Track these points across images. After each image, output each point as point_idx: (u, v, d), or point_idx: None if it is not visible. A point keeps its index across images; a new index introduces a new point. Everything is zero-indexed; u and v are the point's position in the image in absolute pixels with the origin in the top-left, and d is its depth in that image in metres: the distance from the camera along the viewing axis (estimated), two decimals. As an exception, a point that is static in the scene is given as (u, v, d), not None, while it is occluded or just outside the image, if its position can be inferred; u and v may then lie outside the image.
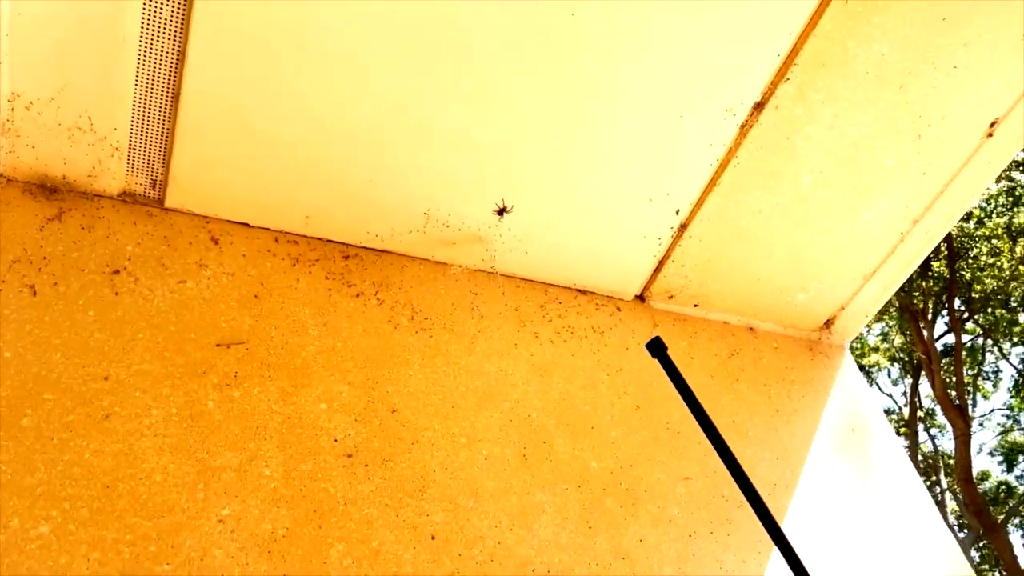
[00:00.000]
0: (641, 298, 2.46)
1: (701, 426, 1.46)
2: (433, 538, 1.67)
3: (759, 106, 2.04)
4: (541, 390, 2.07)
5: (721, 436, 1.41)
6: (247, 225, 2.03)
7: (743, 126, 2.07)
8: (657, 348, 1.63)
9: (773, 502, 2.13)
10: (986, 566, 17.46)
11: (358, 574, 1.54)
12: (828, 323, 2.66)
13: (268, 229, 2.05)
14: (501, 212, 2.11)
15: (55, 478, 1.44)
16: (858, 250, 2.44)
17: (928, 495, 2.42)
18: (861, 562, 2.14)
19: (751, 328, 2.59)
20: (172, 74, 1.79)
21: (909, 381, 18.03)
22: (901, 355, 17.97)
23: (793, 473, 2.23)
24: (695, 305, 2.50)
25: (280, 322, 1.89)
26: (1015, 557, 13.63)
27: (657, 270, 2.37)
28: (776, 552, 2.00)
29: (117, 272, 1.81)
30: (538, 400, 2.04)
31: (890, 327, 17.61)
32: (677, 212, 2.23)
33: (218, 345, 1.78)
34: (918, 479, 2.45)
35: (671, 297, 2.46)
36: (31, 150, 1.82)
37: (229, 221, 2.02)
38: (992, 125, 2.17)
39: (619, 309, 2.40)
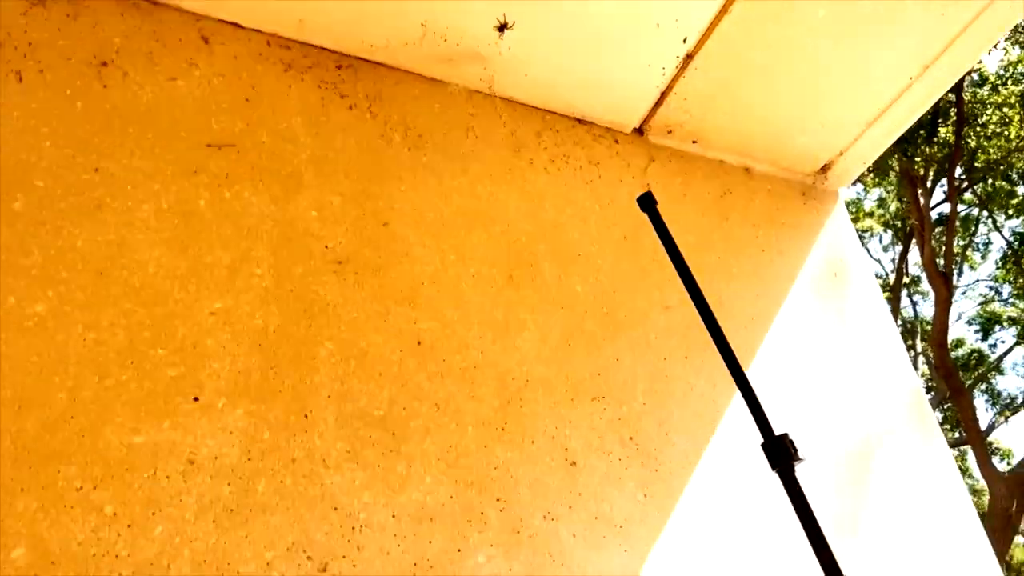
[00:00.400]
0: (640, 131, 2.43)
1: (682, 279, 1.48)
2: (419, 343, 1.73)
3: (781, -73, 1.93)
4: (532, 216, 2.08)
5: (702, 294, 1.45)
6: (238, 26, 1.96)
7: (761, -51, 1.96)
8: (647, 203, 1.65)
9: (749, 334, 2.20)
10: (948, 426, 18.38)
11: (345, 371, 1.61)
12: (825, 168, 2.64)
13: (260, 31, 1.98)
14: (502, 28, 2.03)
15: (49, 262, 1.47)
16: (865, 93, 2.39)
17: (900, 339, 2.50)
18: (827, 394, 2.24)
19: (747, 169, 2.58)
20: None
21: (900, 249, 18.21)
22: (895, 222, 18.04)
23: (771, 309, 2.29)
24: (693, 142, 2.47)
25: (272, 128, 1.86)
26: (975, 419, 14.30)
27: (659, 102, 2.33)
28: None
29: (105, 64, 1.76)
30: (528, 225, 2.06)
31: (888, 193, 17.56)
32: (684, 40, 2.15)
33: (209, 145, 1.77)
34: (892, 324, 2.53)
35: (670, 132, 2.42)
36: (9, -73, 1.72)
37: (220, 20, 1.94)
38: (1021, -34, 2.07)
39: (617, 142, 2.37)
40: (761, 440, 1.24)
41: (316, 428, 1.51)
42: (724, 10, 2.09)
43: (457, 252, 1.92)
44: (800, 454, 1.21)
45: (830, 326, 2.40)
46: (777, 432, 1.24)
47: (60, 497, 1.25)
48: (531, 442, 1.70)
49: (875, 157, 2.58)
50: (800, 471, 2.00)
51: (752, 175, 2.57)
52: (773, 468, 1.22)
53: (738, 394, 1.98)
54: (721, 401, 2.01)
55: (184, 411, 1.42)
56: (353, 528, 1.42)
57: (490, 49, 2.08)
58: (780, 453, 1.22)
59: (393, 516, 1.47)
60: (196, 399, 1.44)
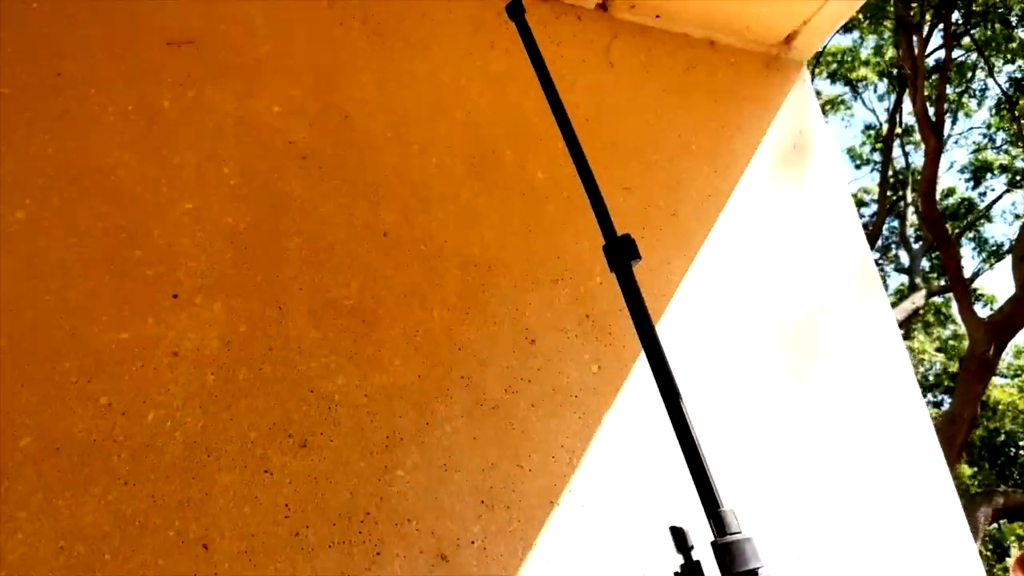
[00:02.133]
0: (603, 7, 2.42)
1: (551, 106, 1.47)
2: (385, 235, 1.83)
3: None
4: (493, 101, 2.12)
5: (571, 126, 1.43)
6: (189, -88, 1.92)
7: None
8: (515, 10, 1.61)
9: (704, 210, 2.30)
10: (934, 274, 18.78)
11: (316, 263, 1.72)
12: (789, 39, 2.65)
13: (210, -83, 1.94)
14: (457, -93, 1.99)
15: (23, 170, 1.53)
16: (829, -39, 2.36)
17: (856, 216, 2.60)
18: (779, 264, 2.36)
19: (711, 42, 2.58)
20: None
21: (895, 97, 17.91)
22: (892, 70, 17.64)
23: (728, 185, 2.37)
24: (656, 16, 2.46)
25: (229, 23, 1.87)
26: (960, 268, 14.58)
27: (621, -23, 2.31)
28: (701, 254, 2.22)
29: (55, -37, 1.75)
30: (489, 111, 2.10)
31: (884, 40, 17.08)
32: (644, -87, 2.12)
33: (169, 44, 1.79)
34: (847, 194, 2.62)
35: (633, 7, 2.42)
36: None
37: (168, -94, 1.91)
38: None
39: (579, 19, 2.37)
40: (603, 243, 1.25)
41: (290, 318, 1.63)
42: None
43: (420, 142, 1.98)
44: (639, 254, 1.20)
45: (786, 199, 2.48)
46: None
47: (59, 390, 1.39)
48: (493, 323, 1.84)
49: (839, 26, 2.58)
50: (752, 337, 2.16)
51: (716, 48, 2.58)
52: (611, 268, 1.22)
53: (691, 269, 2.11)
54: (674, 278, 2.13)
55: (165, 307, 1.53)
56: (329, 408, 1.58)
57: (446, -71, 2.05)
58: (620, 254, 1.21)
59: (366, 396, 1.62)
60: (175, 296, 1.55)
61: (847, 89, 19.10)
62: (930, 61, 15.25)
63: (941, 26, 13.94)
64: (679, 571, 0.96)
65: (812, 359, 2.29)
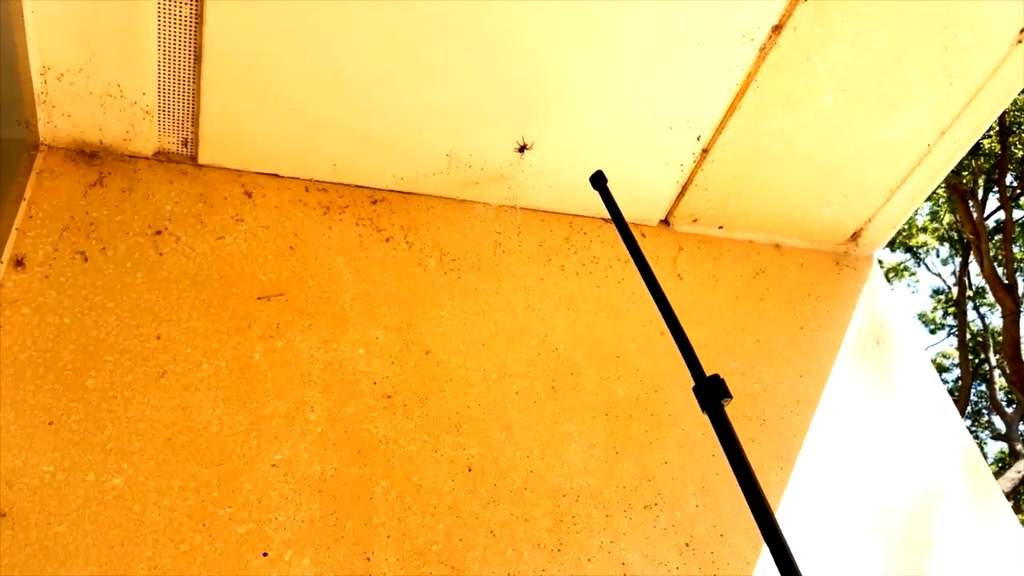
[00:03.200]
0: (666, 222, 2.49)
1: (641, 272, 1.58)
2: (470, 470, 1.80)
3: (777, 28, 2.01)
4: (568, 322, 2.15)
5: (671, 308, 1.51)
6: (277, 176, 2.10)
7: (762, 49, 2.04)
8: (599, 181, 1.81)
9: (795, 418, 2.22)
10: (1032, 441, 17.59)
11: (402, 507, 1.69)
12: (855, 236, 2.67)
13: (298, 179, 2.12)
14: (522, 149, 2.14)
15: (122, 434, 1.59)
16: (884, 163, 2.42)
17: (951, 403, 2.48)
18: (881, 473, 2.23)
19: (777, 245, 2.61)
20: (192, 36, 1.83)
21: (959, 260, 17.72)
22: (951, 234, 17.60)
23: (816, 388, 2.30)
24: (720, 227, 2.52)
25: (316, 271, 1.98)
26: (1061, 430, 13.67)
27: (681, 195, 2.40)
28: (798, 467, 2.11)
29: (159, 233, 1.90)
30: (565, 333, 2.13)
31: (939, 207, 17.19)
32: (698, 138, 2.23)
33: (259, 298, 1.89)
34: (939, 383, 2.51)
35: (695, 220, 2.49)
36: (67, 119, 1.89)
37: (260, 173, 2.09)
38: (1022, 31, 2.10)
39: (644, 235, 2.44)
40: (693, 384, 1.30)
41: (378, 570, 1.58)
42: (733, 107, 2.16)
43: (499, 370, 2.00)
44: (729, 393, 1.25)
45: (876, 395, 2.39)
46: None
47: (148, 668, 1.34)
48: (588, 560, 1.74)
49: (905, 219, 2.60)
50: (862, 541, 2.00)
51: (782, 251, 2.61)
52: (703, 409, 1.26)
53: (790, 481, 2.00)
54: (773, 493, 2.02)
55: (254, 567, 1.50)
56: (422, 670, 1.48)
57: (512, 168, 2.19)
58: (710, 394, 1.25)
59: (459, 653, 1.52)
60: (265, 554, 1.53)
61: (908, 256, 19.03)
62: (989, 223, 15.22)
63: (995, 189, 14.03)
64: None
65: (927, 553, 2.10)
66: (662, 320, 2.25)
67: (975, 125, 2.32)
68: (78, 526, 1.45)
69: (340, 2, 1.78)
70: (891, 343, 2.55)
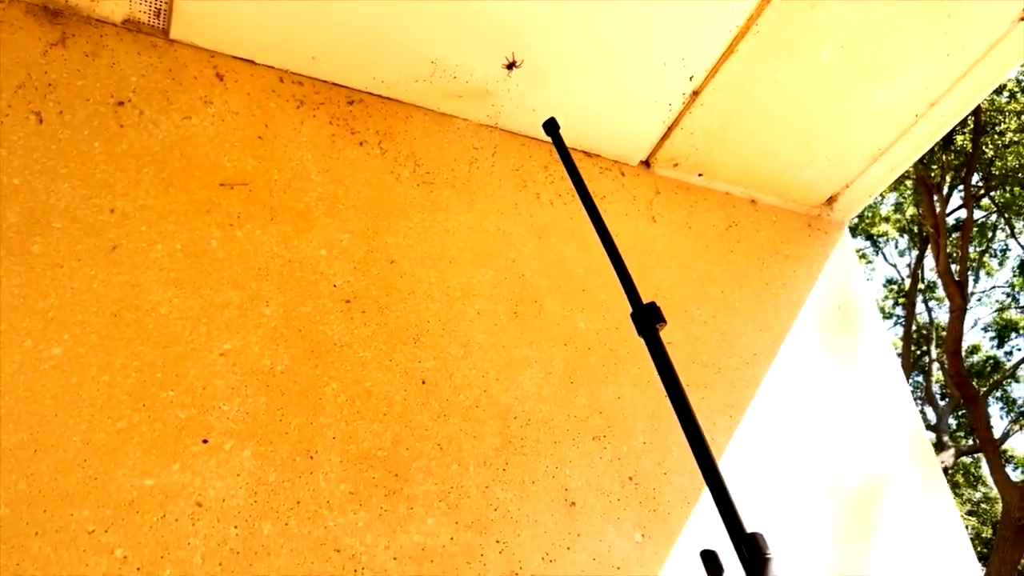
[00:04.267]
0: (646, 164, 2.45)
1: (593, 223, 1.62)
2: (423, 382, 1.77)
3: (787, -28, 1.95)
4: (537, 250, 2.11)
5: (614, 244, 1.57)
6: (252, 62, 2.00)
7: (767, -8, 1.98)
8: (551, 127, 1.81)
9: (751, 370, 2.23)
10: (962, 433, 18.28)
11: (351, 410, 1.65)
12: (830, 200, 2.66)
13: (273, 68, 2.02)
14: (511, 66, 2.07)
15: (65, 304, 1.51)
16: (870, 129, 2.40)
17: (903, 379, 2.52)
18: (828, 433, 2.26)
19: (753, 200, 2.60)
20: None
21: (915, 253, 18.09)
22: (912, 227, 17.92)
23: (774, 344, 2.31)
24: (699, 175, 2.49)
25: (283, 165, 1.90)
26: (989, 426, 14.20)
27: (665, 136, 2.35)
28: (747, 417, 2.13)
29: (122, 104, 1.80)
30: (533, 260, 2.09)
31: (904, 198, 17.45)
32: (691, 78, 2.18)
33: (222, 184, 1.81)
34: (895, 359, 2.55)
35: (676, 165, 2.45)
36: (31, -31, 1.76)
37: (234, 57, 1.99)
38: (1027, 9, 2.07)
39: (623, 174, 2.40)
40: (631, 311, 1.38)
41: (321, 469, 1.55)
42: (730, 50, 2.11)
43: (462, 288, 1.96)
44: (664, 318, 1.33)
45: (833, 361, 2.42)
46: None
47: (73, 540, 1.30)
48: (531, 482, 1.74)
49: (881, 189, 2.60)
50: (800, 509, 2.03)
51: (757, 207, 2.59)
52: (640, 333, 1.33)
53: (738, 430, 2.02)
54: (720, 439, 2.04)
55: (193, 453, 1.46)
56: (355, 571, 1.46)
57: (498, 86, 2.12)
58: (646, 319, 1.33)
59: (394, 558, 1.51)
60: (205, 441, 1.48)
61: (868, 243, 19.36)
62: (950, 219, 15.52)
63: (961, 187, 14.26)
64: None
65: (866, 525, 2.15)
66: (633, 261, 2.23)
67: (965, 100, 2.31)
68: (11, 391, 1.38)
69: None
70: (853, 311, 2.56)
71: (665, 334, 2.13)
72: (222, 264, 1.71)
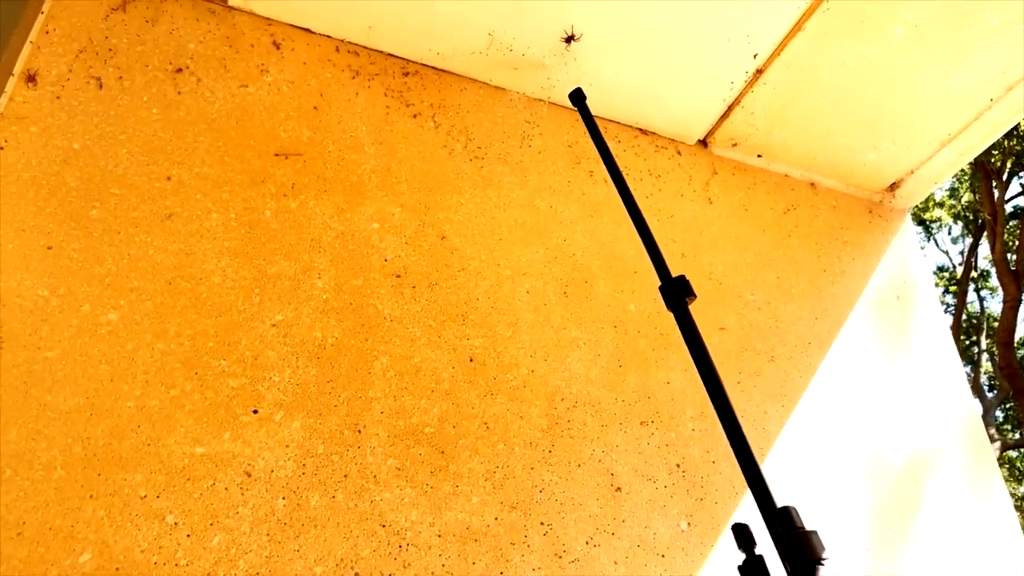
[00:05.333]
0: (704, 143, 2.39)
1: (620, 194, 1.61)
2: (471, 360, 1.76)
3: (863, -54, 1.86)
4: (589, 230, 2.08)
5: (640, 214, 1.58)
6: (309, 31, 1.98)
7: (841, -33, 1.90)
8: (577, 97, 1.84)
9: (805, 359, 2.17)
10: (1009, 426, 17.86)
11: (399, 385, 1.65)
12: (893, 186, 2.57)
13: (330, 37, 2.00)
14: (569, 40, 2.02)
15: (122, 270, 1.53)
16: (941, 113, 2.30)
17: (961, 370, 2.44)
18: (884, 425, 2.20)
19: (812, 184, 2.52)
20: None
21: (970, 241, 17.57)
22: (966, 213, 17.38)
23: (830, 332, 2.25)
24: (758, 156, 2.42)
25: (338, 136, 1.89)
26: (1038, 421, 13.83)
27: (725, 115, 2.28)
28: (800, 406, 2.08)
29: (180, 71, 1.80)
30: (584, 240, 2.05)
31: (961, 183, 16.93)
32: (755, 56, 2.10)
33: (277, 155, 1.81)
34: (954, 352, 2.47)
35: (735, 145, 2.38)
36: (93, -67, 1.76)
37: (291, 25, 1.97)
38: (1121, -10, 1.95)
39: (679, 153, 2.34)
40: (659, 284, 1.37)
41: (368, 444, 1.55)
42: (798, 27, 2.03)
43: (512, 267, 1.93)
44: (694, 292, 1.32)
45: (889, 350, 2.34)
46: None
47: (126, 505, 1.32)
48: (577, 465, 1.72)
49: (947, 177, 2.50)
50: (851, 490, 1.98)
51: (817, 190, 2.51)
52: (668, 306, 1.32)
53: (790, 420, 1.97)
54: (772, 429, 1.99)
55: (243, 423, 1.47)
56: (400, 546, 1.46)
57: (555, 60, 2.07)
58: (675, 292, 1.31)
59: (439, 535, 1.51)
60: (255, 411, 1.49)
61: (920, 229, 18.86)
62: (1008, 207, 15.01)
63: (1021, 174, 13.77)
64: (742, 565, 0.96)
65: (916, 514, 2.10)
66: (687, 243, 2.19)
67: (1045, 85, 2.20)
68: (68, 355, 1.40)
69: None
70: (912, 301, 2.48)
71: (718, 319, 2.09)
72: (275, 235, 1.71)
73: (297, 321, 1.63)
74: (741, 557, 0.96)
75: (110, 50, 1.74)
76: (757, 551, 0.96)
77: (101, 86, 1.69)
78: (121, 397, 1.41)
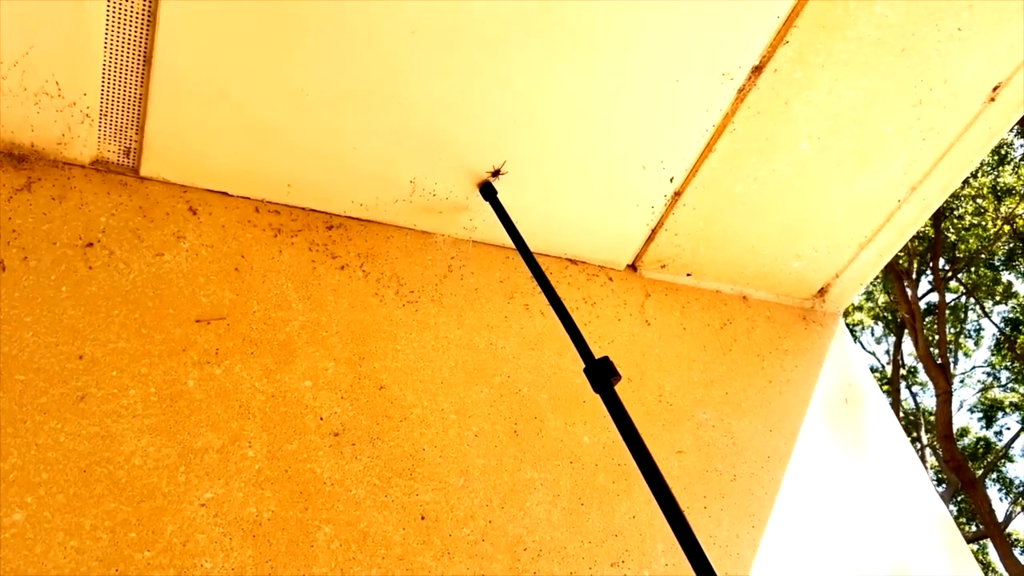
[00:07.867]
0: (633, 267, 2.41)
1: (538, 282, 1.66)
2: (423, 518, 1.63)
3: (757, 70, 1.97)
4: (532, 363, 2.02)
5: (556, 294, 1.63)
6: (226, 194, 1.95)
7: (740, 91, 2.00)
8: (488, 191, 1.95)
9: (767, 474, 2.11)
10: (963, 519, 17.88)
11: (346, 557, 1.50)
12: (822, 291, 2.62)
13: (248, 198, 1.97)
14: (496, 174, 2.03)
15: (29, 463, 1.38)
16: (854, 217, 2.39)
17: (920, 465, 2.41)
18: (854, 530, 2.13)
19: (744, 297, 2.55)
20: (143, 36, 1.69)
21: (893, 340, 18.21)
22: (885, 314, 18.12)
23: (787, 445, 2.21)
24: (688, 274, 2.45)
25: (262, 296, 1.82)
26: (992, 511, 13.92)
27: (650, 239, 2.32)
28: (770, 525, 1.99)
29: (91, 245, 1.73)
30: (529, 374, 2.00)
31: (874, 286, 17.74)
32: (671, 180, 2.16)
33: (198, 321, 1.72)
34: (910, 449, 2.45)
35: (663, 266, 2.41)
36: (-5, 116, 1.72)
37: (207, 190, 1.94)
38: (995, 90, 2.11)
39: (611, 279, 2.35)
40: (583, 366, 1.40)
41: (317, 628, 1.39)
42: (708, 148, 2.11)
43: (457, 410, 1.85)
44: (618, 372, 1.35)
45: (848, 455, 2.31)
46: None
47: None
48: (550, 621, 1.58)
49: (872, 277, 2.57)
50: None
51: (749, 303, 2.54)
52: (595, 389, 1.34)
53: (761, 546, 1.88)
54: (746, 553, 1.89)
55: (172, 622, 1.30)
56: None
57: (478, 200, 2.08)
58: (600, 374, 1.34)
59: None
60: (185, 607, 1.33)
61: (845, 333, 19.41)
62: (922, 303, 15.72)
63: (929, 272, 14.55)
64: None
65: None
66: (632, 367, 2.15)
67: (945, 183, 2.32)
68: (-36, 568, 1.23)
69: (309, 11, 1.67)
70: (860, 403, 2.48)
71: (674, 442, 2.03)
72: (200, 405, 1.59)
73: (228, 497, 1.49)
74: None
75: (14, 231, 1.67)
76: None
77: (4, 269, 1.60)
78: (27, 610, 1.23)
